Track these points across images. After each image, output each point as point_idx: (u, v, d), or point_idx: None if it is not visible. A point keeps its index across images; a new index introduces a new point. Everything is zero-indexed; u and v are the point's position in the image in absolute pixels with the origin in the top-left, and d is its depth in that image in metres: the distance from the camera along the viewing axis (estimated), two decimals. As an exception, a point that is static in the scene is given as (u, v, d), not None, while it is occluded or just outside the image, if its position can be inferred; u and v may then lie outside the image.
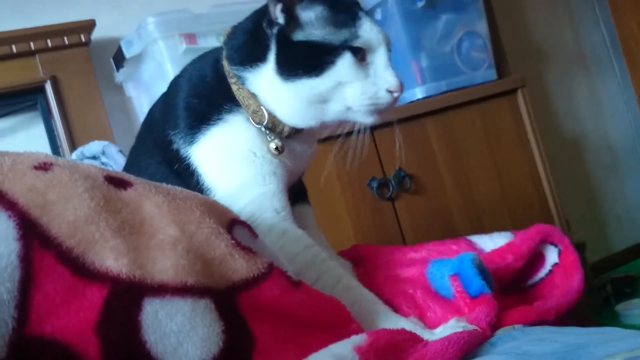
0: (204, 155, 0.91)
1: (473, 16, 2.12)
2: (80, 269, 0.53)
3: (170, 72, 1.68)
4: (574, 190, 2.87)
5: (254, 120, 0.91)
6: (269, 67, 0.89)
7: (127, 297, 0.54)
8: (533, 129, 2.11)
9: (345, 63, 0.86)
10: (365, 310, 0.78)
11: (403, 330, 0.67)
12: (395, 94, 0.89)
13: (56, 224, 0.53)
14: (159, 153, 0.96)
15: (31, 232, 0.52)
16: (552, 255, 0.88)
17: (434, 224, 1.91)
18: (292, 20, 0.88)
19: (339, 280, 0.83)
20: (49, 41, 1.88)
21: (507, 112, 2.11)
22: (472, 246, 0.95)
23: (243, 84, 0.91)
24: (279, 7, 0.87)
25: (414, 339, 0.66)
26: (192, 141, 0.91)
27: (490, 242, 0.94)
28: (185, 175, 0.92)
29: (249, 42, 0.92)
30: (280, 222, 0.89)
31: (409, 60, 2.01)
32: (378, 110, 0.90)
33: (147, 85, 1.87)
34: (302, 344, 0.61)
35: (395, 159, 1.88)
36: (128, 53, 1.83)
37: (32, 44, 1.87)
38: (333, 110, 0.90)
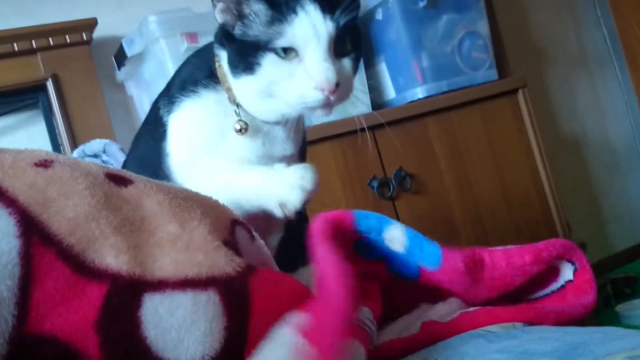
0: (175, 124, 0.95)
1: (474, 16, 2.12)
2: (81, 267, 0.53)
3: (172, 70, 1.66)
4: (574, 190, 2.87)
5: (230, 98, 0.93)
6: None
7: (127, 293, 0.53)
8: (534, 129, 2.12)
9: (269, 64, 0.85)
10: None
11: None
12: (324, 92, 0.84)
13: (56, 221, 0.53)
14: (152, 123, 0.99)
15: (31, 229, 0.52)
16: (567, 272, 0.86)
17: (434, 223, 1.91)
18: (238, 17, 0.88)
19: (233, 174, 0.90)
20: (50, 39, 1.89)
21: (508, 112, 2.11)
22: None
23: (220, 62, 0.93)
24: (219, 6, 0.88)
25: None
26: (170, 110, 0.95)
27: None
28: (160, 141, 0.95)
29: (220, 26, 0.93)
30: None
31: (410, 60, 2.00)
32: (312, 108, 0.86)
33: (148, 84, 1.87)
34: None
35: (396, 158, 1.89)
36: (129, 52, 1.84)
37: (33, 42, 1.87)
38: (284, 105, 0.88)
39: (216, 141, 0.93)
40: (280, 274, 0.65)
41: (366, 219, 0.82)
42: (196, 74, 0.96)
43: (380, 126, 1.84)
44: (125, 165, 1.11)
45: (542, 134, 2.14)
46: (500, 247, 0.91)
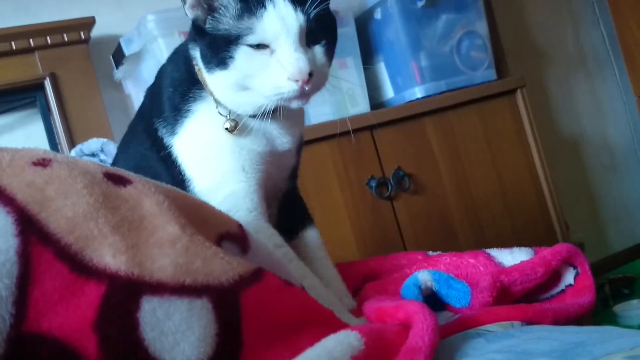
0: (182, 147, 0.95)
1: (473, 16, 2.12)
2: (79, 266, 0.53)
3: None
4: (572, 190, 2.88)
5: (215, 100, 0.94)
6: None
7: (125, 294, 0.53)
8: (532, 129, 2.12)
9: (242, 57, 0.85)
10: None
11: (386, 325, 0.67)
12: (298, 82, 0.84)
13: (55, 220, 0.53)
14: (149, 138, 1.00)
15: (30, 228, 0.52)
16: (568, 276, 0.87)
17: (432, 223, 1.91)
18: (208, 11, 0.88)
19: (304, 279, 0.85)
20: (48, 38, 1.88)
21: (507, 112, 2.11)
22: (491, 260, 0.94)
23: (198, 65, 0.94)
24: (189, 2, 0.88)
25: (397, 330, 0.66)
26: (172, 132, 0.96)
27: (510, 257, 0.93)
28: (169, 163, 0.96)
29: (192, 24, 0.93)
30: (253, 221, 0.91)
31: (408, 60, 2.00)
32: (287, 99, 0.87)
33: (146, 83, 1.86)
34: (291, 342, 0.61)
35: (394, 158, 1.89)
36: (128, 51, 1.83)
37: (31, 40, 1.87)
38: (260, 97, 0.88)
39: (226, 150, 0.94)
40: (282, 284, 0.65)
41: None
42: (181, 86, 0.97)
43: (378, 126, 1.84)
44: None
45: (540, 134, 2.13)
46: (507, 250, 0.92)
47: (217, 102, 0.94)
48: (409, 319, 0.66)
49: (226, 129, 0.93)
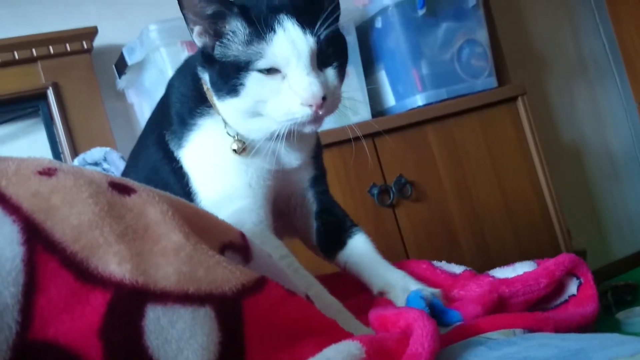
0: (189, 160, 0.95)
1: (473, 24, 2.13)
2: (84, 274, 0.53)
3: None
4: (574, 197, 2.88)
5: (223, 120, 0.93)
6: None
7: (130, 302, 0.54)
8: (533, 137, 2.12)
9: (253, 83, 0.84)
10: (332, 316, 0.79)
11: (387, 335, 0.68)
12: (312, 107, 0.83)
13: (60, 229, 0.54)
14: (161, 150, 0.99)
15: (35, 237, 0.52)
16: (572, 287, 0.87)
17: (434, 230, 1.92)
18: (215, 36, 0.87)
19: (309, 288, 0.84)
20: (51, 48, 1.89)
21: (508, 120, 2.12)
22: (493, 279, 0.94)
23: (207, 86, 0.94)
24: (197, 29, 0.87)
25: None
26: (179, 145, 0.96)
27: (513, 273, 0.93)
28: (179, 175, 0.96)
29: (200, 50, 0.92)
30: (258, 233, 0.91)
31: (409, 68, 2.01)
32: (301, 124, 0.85)
33: (148, 92, 1.87)
34: (294, 351, 0.62)
35: (396, 165, 1.89)
36: (130, 60, 1.84)
37: (34, 50, 1.88)
38: (272, 122, 0.87)
39: (232, 168, 0.93)
40: (285, 294, 0.66)
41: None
42: (189, 103, 0.96)
43: (380, 133, 1.84)
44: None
45: (541, 141, 2.14)
46: (514, 271, 0.92)
47: (225, 123, 0.93)
48: (409, 326, 0.66)
49: (234, 150, 0.92)
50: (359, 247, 1.00)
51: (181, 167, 0.96)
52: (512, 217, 2.05)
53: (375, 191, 1.84)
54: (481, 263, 1.75)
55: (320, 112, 0.84)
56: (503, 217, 2.04)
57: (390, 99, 2.10)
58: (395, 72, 2.07)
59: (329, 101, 0.85)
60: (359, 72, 1.99)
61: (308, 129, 0.88)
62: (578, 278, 0.86)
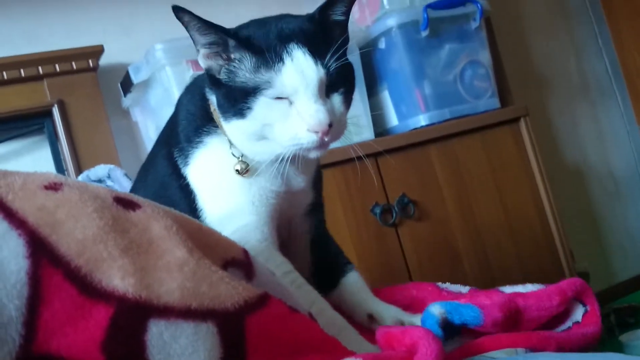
0: (196, 177, 0.96)
1: (476, 46, 2.14)
2: (88, 288, 0.54)
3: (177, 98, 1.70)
4: (577, 219, 2.87)
5: (229, 140, 0.94)
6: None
7: (133, 316, 0.54)
8: (536, 157, 2.13)
9: (261, 107, 0.84)
10: (335, 332, 0.79)
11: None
12: (318, 134, 0.83)
13: (65, 243, 0.54)
14: (170, 166, 1.00)
15: (40, 250, 0.53)
16: (577, 313, 0.87)
17: (437, 250, 1.91)
18: (222, 60, 0.87)
19: (312, 304, 0.85)
20: (57, 66, 1.91)
21: (510, 140, 2.12)
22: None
23: (214, 106, 0.94)
24: (203, 52, 0.87)
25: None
26: (185, 162, 0.96)
27: (523, 290, 0.94)
28: (186, 192, 0.97)
29: (207, 74, 0.92)
30: (263, 250, 0.91)
31: (412, 88, 2.03)
32: (306, 149, 0.86)
33: (153, 111, 1.89)
34: None
35: (398, 185, 1.89)
36: (136, 79, 1.86)
37: (40, 68, 1.90)
38: (277, 146, 0.87)
39: (236, 186, 0.94)
40: (288, 311, 0.66)
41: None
42: (196, 121, 0.97)
43: (382, 153, 1.85)
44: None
45: (544, 162, 2.14)
46: (524, 288, 0.92)
47: (231, 143, 0.94)
48: (414, 344, 0.66)
49: (237, 170, 0.92)
50: (351, 286, 1.01)
51: (188, 184, 0.96)
52: (514, 237, 2.05)
53: (377, 210, 1.84)
54: (484, 283, 1.74)
55: (326, 139, 0.84)
56: (506, 237, 2.03)
57: (393, 119, 2.11)
58: (398, 92, 2.08)
59: (335, 128, 0.85)
60: (362, 92, 2.00)
61: (313, 155, 0.88)
62: (584, 305, 0.86)
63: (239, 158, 0.93)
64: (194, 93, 1.01)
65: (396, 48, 2.03)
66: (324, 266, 1.05)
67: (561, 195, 2.59)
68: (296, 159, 0.90)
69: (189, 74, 1.72)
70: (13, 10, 2.03)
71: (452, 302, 0.87)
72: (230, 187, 0.94)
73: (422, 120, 2.02)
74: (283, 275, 0.87)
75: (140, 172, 1.15)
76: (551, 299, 0.84)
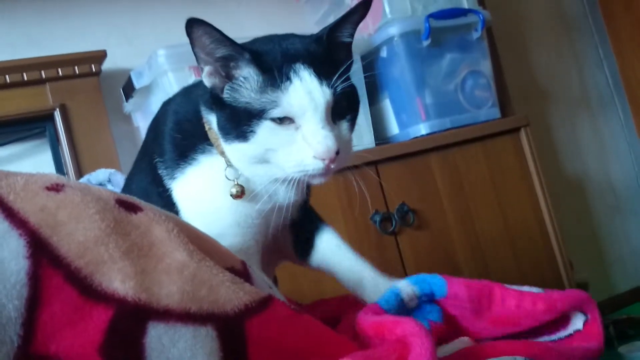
0: (181, 193, 0.92)
1: (477, 56, 2.15)
2: (88, 290, 0.54)
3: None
4: (577, 230, 2.87)
5: (225, 161, 0.90)
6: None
7: (132, 319, 0.54)
8: (536, 168, 2.13)
9: (265, 132, 0.81)
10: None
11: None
12: (325, 161, 0.81)
13: (66, 244, 0.54)
14: (151, 173, 0.97)
15: (41, 251, 0.53)
16: (577, 322, 0.86)
17: (436, 258, 1.91)
18: (226, 78, 0.85)
19: None
20: (59, 70, 1.91)
21: (511, 151, 2.13)
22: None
23: (210, 126, 0.91)
24: (207, 69, 0.85)
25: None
26: (172, 176, 0.92)
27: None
28: (168, 203, 0.93)
29: (206, 88, 0.89)
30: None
31: (413, 97, 2.03)
32: (311, 175, 0.84)
33: (155, 116, 1.89)
34: None
35: (398, 193, 1.89)
36: (138, 84, 1.86)
37: (42, 72, 1.90)
38: (280, 170, 0.85)
39: (223, 208, 0.91)
40: (292, 313, 0.66)
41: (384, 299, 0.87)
42: (188, 139, 0.93)
43: (383, 161, 1.85)
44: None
45: (544, 172, 2.15)
46: (516, 287, 0.92)
47: (228, 164, 0.90)
48: (406, 338, 0.66)
49: (231, 194, 0.89)
50: (328, 248, 1.02)
51: (169, 196, 0.93)
52: (514, 247, 2.05)
53: (377, 218, 1.84)
54: (483, 293, 1.74)
55: (332, 166, 0.83)
56: (505, 247, 2.03)
57: (394, 127, 2.11)
58: (399, 101, 2.08)
59: (341, 155, 0.83)
60: (364, 100, 2.01)
61: (316, 181, 0.86)
62: (585, 314, 0.86)
63: (234, 181, 0.90)
64: (186, 107, 0.96)
65: (398, 57, 2.04)
66: (300, 232, 1.03)
67: (561, 205, 2.59)
68: (298, 183, 0.87)
69: (191, 80, 1.72)
70: (17, 14, 2.04)
71: (419, 275, 0.89)
72: (217, 208, 0.91)
73: (422, 129, 2.02)
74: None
75: (126, 179, 1.11)
76: (535, 303, 0.82)
